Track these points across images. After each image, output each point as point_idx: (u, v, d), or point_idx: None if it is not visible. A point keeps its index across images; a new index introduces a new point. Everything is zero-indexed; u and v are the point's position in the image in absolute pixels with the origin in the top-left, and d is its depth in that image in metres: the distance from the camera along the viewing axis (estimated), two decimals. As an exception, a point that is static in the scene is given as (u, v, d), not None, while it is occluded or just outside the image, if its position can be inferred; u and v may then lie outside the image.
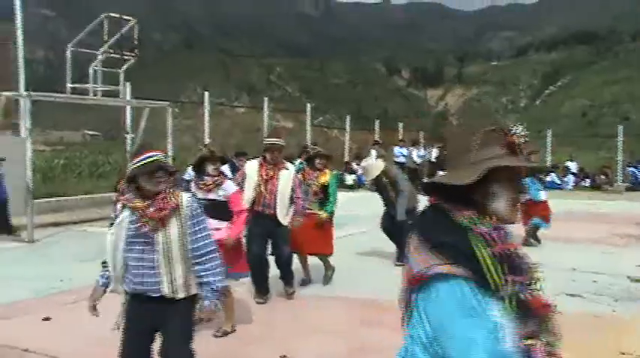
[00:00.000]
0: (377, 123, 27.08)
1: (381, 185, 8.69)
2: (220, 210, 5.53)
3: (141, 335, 3.55)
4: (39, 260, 9.25)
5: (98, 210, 13.91)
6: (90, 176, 19.20)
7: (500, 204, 1.76)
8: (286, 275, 6.90)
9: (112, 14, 13.21)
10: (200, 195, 5.35)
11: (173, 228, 3.45)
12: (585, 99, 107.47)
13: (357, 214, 12.64)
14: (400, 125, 28.90)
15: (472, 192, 1.74)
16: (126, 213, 3.46)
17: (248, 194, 6.44)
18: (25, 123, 11.65)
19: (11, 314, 6.21)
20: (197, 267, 3.51)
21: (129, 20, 13.30)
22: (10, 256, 9.51)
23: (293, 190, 6.63)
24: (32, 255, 9.63)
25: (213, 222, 4.78)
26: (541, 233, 10.47)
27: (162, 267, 3.42)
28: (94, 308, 3.61)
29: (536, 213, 10.24)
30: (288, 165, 6.76)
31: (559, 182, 23.66)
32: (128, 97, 14.42)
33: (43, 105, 16.20)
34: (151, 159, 3.41)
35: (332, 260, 7.61)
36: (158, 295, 3.45)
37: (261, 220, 6.48)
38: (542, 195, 10.36)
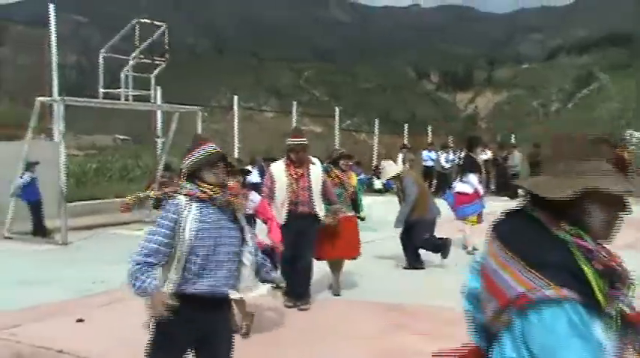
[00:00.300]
0: (406, 127, 26.98)
1: (398, 190, 8.85)
2: (250, 222, 5.45)
3: (184, 347, 3.28)
4: (72, 262, 9.39)
5: (129, 213, 14.08)
6: (121, 179, 19.46)
7: (596, 221, 1.62)
8: (302, 285, 6.63)
9: (143, 20, 13.38)
10: None
11: (242, 219, 3.35)
12: (618, 103, 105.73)
13: (384, 218, 12.58)
14: (429, 129, 28.75)
15: (566, 204, 1.59)
16: (191, 207, 3.16)
17: (281, 195, 6.44)
18: (58, 128, 11.85)
19: (46, 316, 6.32)
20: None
21: (160, 25, 13.46)
22: (44, 258, 9.67)
23: (324, 184, 6.65)
24: (66, 258, 9.78)
25: None
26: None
27: (235, 261, 3.27)
28: (164, 311, 3.12)
29: None
30: (314, 159, 6.79)
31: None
32: (159, 102, 14.59)
33: (76, 110, 16.47)
34: (213, 149, 3.28)
35: (356, 264, 7.56)
36: (224, 294, 3.28)
37: (295, 220, 6.42)
38: None
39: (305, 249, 6.57)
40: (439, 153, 22.32)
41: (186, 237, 3.10)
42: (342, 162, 7.37)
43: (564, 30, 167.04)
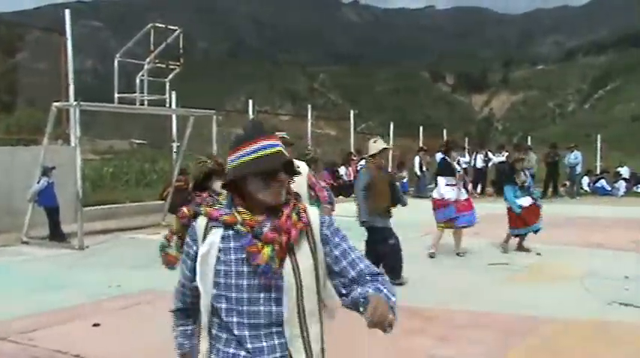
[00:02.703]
0: (421, 129, 26.89)
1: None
2: None
3: None
4: (89, 266, 9.43)
5: (145, 217, 14.16)
6: (137, 184, 19.55)
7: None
8: None
9: (158, 24, 13.43)
10: None
11: (304, 259, 2.04)
12: (636, 103, 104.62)
13: (402, 220, 12.53)
14: (445, 131, 28.64)
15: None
16: (214, 236, 2.06)
17: None
18: (74, 133, 11.93)
19: (63, 320, 6.34)
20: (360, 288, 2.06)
21: (174, 30, 13.50)
22: (61, 263, 9.72)
23: (311, 188, 6.05)
24: (82, 262, 9.82)
25: None
26: (581, 240, 10.24)
27: (289, 323, 2.02)
28: None
29: (517, 222, 9.96)
30: (298, 162, 6.14)
31: (609, 188, 23.07)
32: (174, 106, 14.64)
33: (93, 115, 16.58)
34: (273, 150, 2.06)
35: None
36: None
37: None
38: (524, 202, 10.01)
39: None
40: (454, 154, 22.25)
41: (199, 282, 2.08)
42: (312, 166, 6.58)
43: (581, 30, 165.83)
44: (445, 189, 9.62)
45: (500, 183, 22.69)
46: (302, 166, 5.86)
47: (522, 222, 9.96)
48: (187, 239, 2.16)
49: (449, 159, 9.95)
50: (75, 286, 7.90)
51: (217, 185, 4.00)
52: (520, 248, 10.17)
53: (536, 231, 10.05)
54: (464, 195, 9.78)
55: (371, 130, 32.58)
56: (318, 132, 25.17)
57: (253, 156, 2.03)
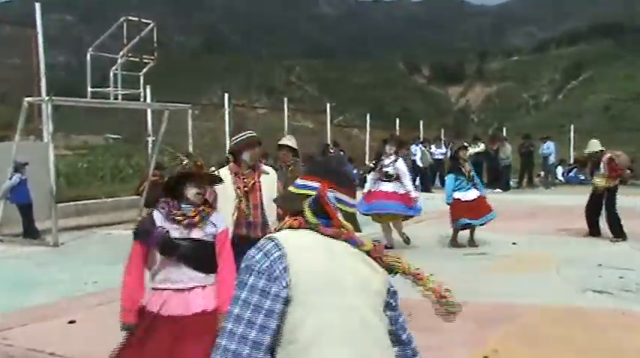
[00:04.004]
0: (397, 121, 27.00)
1: None
2: (208, 256, 3.50)
3: None
4: (64, 263, 9.32)
5: (121, 213, 14.03)
6: (112, 179, 19.35)
7: None
8: None
9: (131, 18, 13.30)
10: (176, 233, 3.41)
11: None
12: (608, 94, 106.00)
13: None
14: (421, 123, 28.77)
15: None
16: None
17: (226, 215, 4.53)
18: (47, 128, 11.77)
19: (37, 318, 6.27)
20: None
21: (148, 23, 13.38)
22: (35, 260, 9.60)
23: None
24: (57, 259, 9.71)
25: (197, 277, 3.42)
26: (555, 229, 10.32)
27: None
28: None
29: (463, 212, 9.61)
30: (267, 168, 5.31)
31: (582, 177, 23.35)
32: (149, 100, 14.51)
33: (66, 110, 16.37)
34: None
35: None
36: None
37: (246, 249, 3.67)
38: (470, 195, 9.75)
39: None
40: (432, 145, 22.46)
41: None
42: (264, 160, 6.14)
43: (554, 21, 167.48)
44: (369, 182, 9.74)
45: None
46: (270, 171, 5.30)
47: (465, 212, 9.59)
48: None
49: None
50: (50, 283, 7.81)
51: (191, 192, 3.46)
52: (471, 242, 9.82)
53: (482, 224, 9.75)
54: (386, 187, 9.59)
55: (348, 123, 32.62)
56: (295, 125, 25.12)
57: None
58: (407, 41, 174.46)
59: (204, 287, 3.42)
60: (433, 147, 22.46)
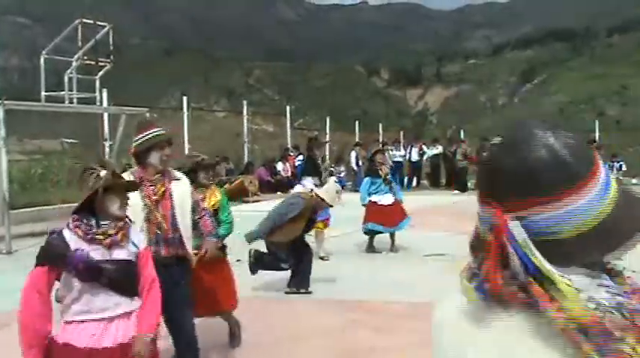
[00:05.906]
0: (357, 124, 27.13)
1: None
2: (132, 278, 3.13)
3: None
4: (18, 271, 9.07)
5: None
6: (68, 185, 18.96)
7: None
8: None
9: (86, 20, 13.08)
10: (96, 254, 3.01)
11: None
12: (562, 96, 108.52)
13: (338, 216, 12.62)
14: (380, 126, 28.96)
15: None
16: None
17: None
18: None
19: (-10, 328, 6.10)
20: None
21: (104, 26, 13.18)
22: (-12, 268, 9.35)
23: (197, 205, 4.47)
24: (11, 267, 9.47)
25: (125, 302, 3.07)
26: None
27: None
28: None
29: (374, 216, 9.48)
30: (178, 173, 4.42)
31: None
32: (105, 104, 14.29)
33: (20, 114, 15.99)
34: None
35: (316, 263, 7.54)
36: None
37: (159, 272, 3.33)
38: (385, 200, 9.62)
39: (181, 315, 4.19)
40: (390, 148, 22.64)
41: None
42: (202, 174, 5.25)
43: (509, 26, 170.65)
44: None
45: (434, 176, 23.17)
46: (181, 176, 4.43)
47: (377, 217, 9.44)
48: None
49: (314, 158, 9.69)
50: (4, 292, 7.60)
51: (115, 207, 3.08)
52: (370, 247, 9.69)
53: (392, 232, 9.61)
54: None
55: (308, 126, 32.65)
56: (255, 128, 25.04)
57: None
58: (366, 45, 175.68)
59: (130, 313, 3.08)
60: (392, 149, 22.64)
